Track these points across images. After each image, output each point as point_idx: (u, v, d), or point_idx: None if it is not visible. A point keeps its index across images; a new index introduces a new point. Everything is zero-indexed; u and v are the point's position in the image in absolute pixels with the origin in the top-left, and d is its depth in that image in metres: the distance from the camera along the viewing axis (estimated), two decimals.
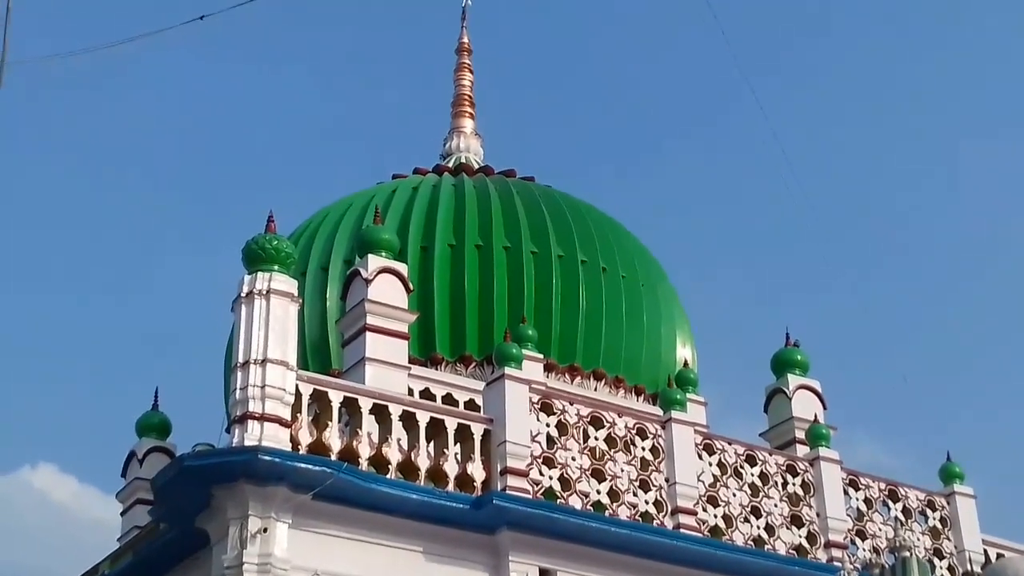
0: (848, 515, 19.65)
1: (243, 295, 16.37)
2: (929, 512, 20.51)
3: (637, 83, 49.08)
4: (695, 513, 18.20)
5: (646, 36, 48.97)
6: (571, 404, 18.06)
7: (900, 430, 41.96)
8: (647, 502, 17.97)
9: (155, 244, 46.60)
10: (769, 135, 23.97)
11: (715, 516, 18.46)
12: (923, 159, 47.25)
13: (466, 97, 28.00)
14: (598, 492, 17.71)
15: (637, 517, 17.79)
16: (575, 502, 17.43)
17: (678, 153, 48.57)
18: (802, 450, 20.53)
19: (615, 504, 17.75)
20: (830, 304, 42.60)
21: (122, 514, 21.04)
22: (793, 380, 21.79)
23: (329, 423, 16.42)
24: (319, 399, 16.61)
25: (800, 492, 19.38)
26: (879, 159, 46.75)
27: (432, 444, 17.14)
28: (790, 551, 18.84)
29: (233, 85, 49.65)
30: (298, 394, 16.25)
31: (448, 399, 20.35)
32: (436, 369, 21.69)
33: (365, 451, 16.52)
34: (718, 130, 47.88)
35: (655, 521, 17.88)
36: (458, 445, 17.26)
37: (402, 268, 19.52)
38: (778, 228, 44.91)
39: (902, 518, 20.19)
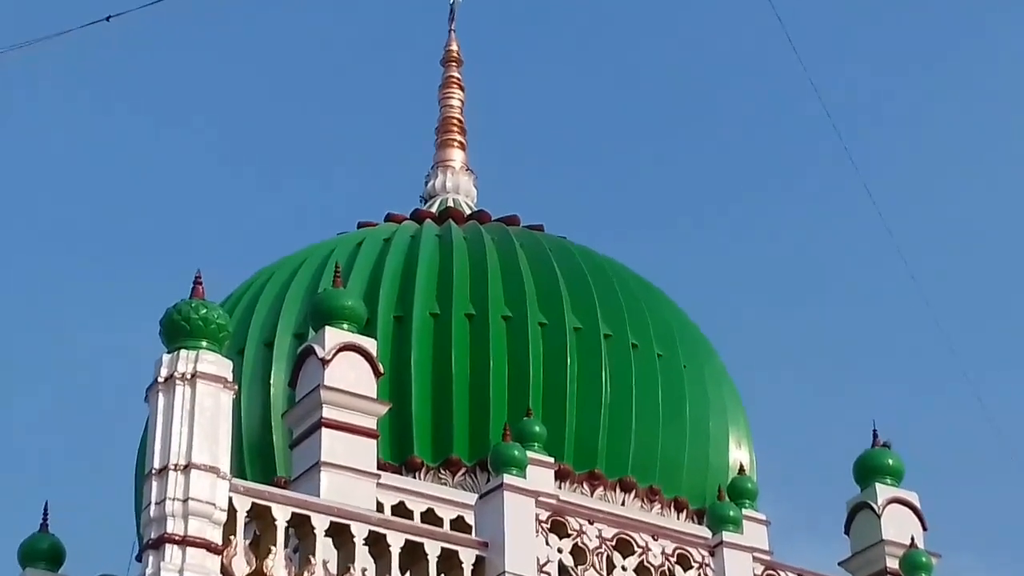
0: None
1: (160, 380, 16.39)
2: None
3: (690, 106, 49.29)
4: None
5: (700, 43, 49.33)
6: (591, 523, 18.02)
7: (1022, 559, 41.81)
8: None
9: (44, 319, 46.69)
10: (861, 189, 24.13)
11: None
12: None
13: (455, 122, 28.18)
14: None
15: None
16: None
17: (737, 200, 48.74)
18: None
19: None
20: (931, 397, 42.63)
21: None
22: (883, 492, 21.70)
23: (273, 548, 16.36)
24: (260, 517, 16.57)
25: None
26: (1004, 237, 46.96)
27: (408, 575, 17.07)
28: None
29: (143, 113, 49.94)
30: (232, 510, 16.21)
31: (429, 516, 20.28)
32: (414, 477, 21.65)
33: None
34: (797, 177, 48.08)
35: None
36: None
37: (370, 345, 19.55)
38: (868, 300, 45.01)
39: None
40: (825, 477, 35.92)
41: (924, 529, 21.46)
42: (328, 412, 18.85)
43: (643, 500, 22.79)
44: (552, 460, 21.18)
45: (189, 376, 16.36)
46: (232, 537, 16.16)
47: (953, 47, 49.38)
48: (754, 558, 18.81)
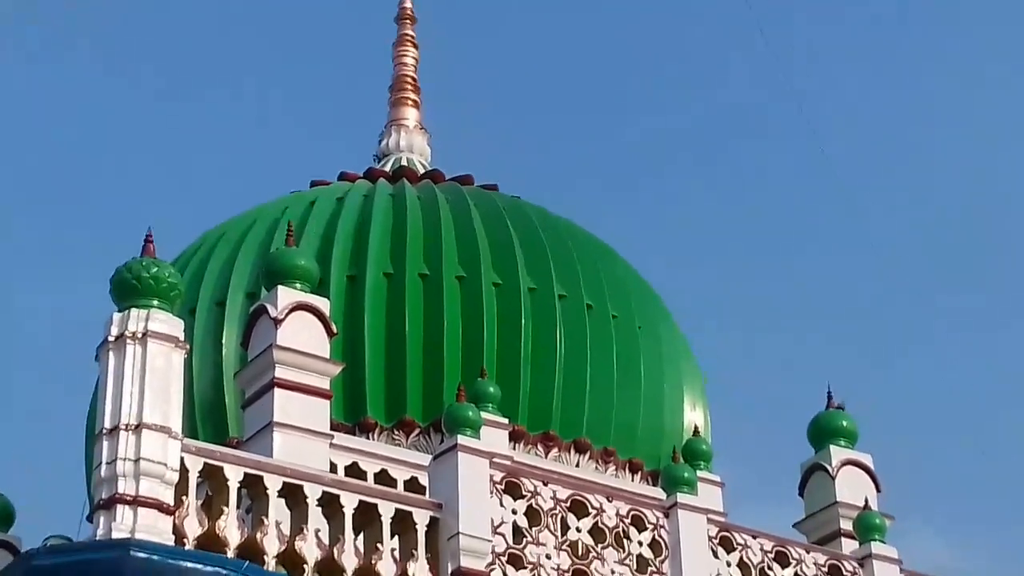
0: None
1: (111, 339, 16.29)
2: None
3: (642, 63, 49.35)
4: None
5: (653, 3, 49.30)
6: (545, 484, 18.05)
7: (973, 520, 42.15)
8: None
9: None
10: (816, 149, 24.29)
11: None
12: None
13: (408, 80, 28.10)
14: None
15: None
16: None
17: (693, 160, 48.90)
18: (849, 545, 20.56)
19: None
20: (886, 358, 42.92)
21: None
22: (838, 454, 21.85)
23: (225, 509, 16.33)
24: (212, 477, 16.53)
25: None
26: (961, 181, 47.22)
27: (362, 536, 17.06)
28: None
29: (89, 64, 49.60)
30: (184, 470, 16.16)
31: (383, 477, 20.30)
32: (367, 437, 21.66)
33: (273, 546, 16.42)
34: (750, 137, 48.23)
35: None
36: (396, 538, 17.20)
37: (323, 304, 19.51)
38: (824, 263, 45.24)
39: None
40: (780, 439, 36.14)
41: (878, 491, 21.64)
42: (281, 372, 18.81)
43: (597, 461, 22.86)
44: (506, 421, 21.23)
45: (140, 335, 16.27)
46: (184, 498, 16.11)
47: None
48: (708, 520, 18.89)
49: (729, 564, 18.77)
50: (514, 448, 21.46)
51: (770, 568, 19.05)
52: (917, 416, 43.10)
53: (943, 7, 48.43)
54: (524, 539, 17.63)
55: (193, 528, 16.07)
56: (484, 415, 18.95)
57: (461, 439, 17.58)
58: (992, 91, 47.75)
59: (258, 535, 16.37)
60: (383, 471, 20.54)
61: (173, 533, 15.79)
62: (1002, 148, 46.99)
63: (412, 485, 19.92)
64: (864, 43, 49.09)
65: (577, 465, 22.53)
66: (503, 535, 17.50)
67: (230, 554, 16.05)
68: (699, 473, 20.54)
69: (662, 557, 18.31)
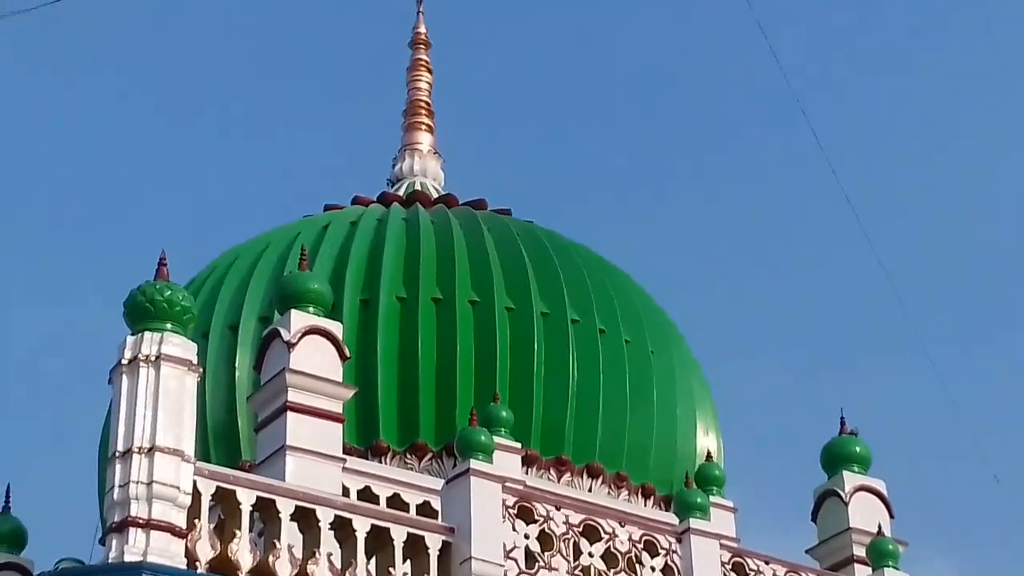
0: None
1: (124, 362, 16.34)
2: None
3: (656, 90, 49.37)
4: None
5: (670, 25, 49.33)
6: (558, 509, 18.04)
7: (987, 546, 42.03)
8: None
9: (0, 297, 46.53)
10: (826, 169, 24.25)
11: None
12: None
13: (422, 105, 28.14)
14: None
15: None
16: None
17: (704, 185, 48.88)
18: (862, 571, 20.52)
19: None
20: (899, 384, 42.80)
21: None
22: (850, 479, 21.81)
23: (237, 532, 16.35)
24: (224, 500, 16.54)
25: None
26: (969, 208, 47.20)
27: (374, 561, 17.06)
28: None
29: (104, 87, 49.74)
30: (196, 494, 16.19)
31: (395, 501, 20.27)
32: (380, 462, 21.63)
33: (285, 569, 16.44)
34: (763, 160, 48.23)
35: None
36: (408, 563, 17.20)
37: (336, 328, 19.53)
38: (836, 288, 45.17)
39: None
40: (793, 465, 36.04)
41: (891, 517, 21.59)
42: (293, 396, 18.82)
43: (610, 486, 22.83)
44: (519, 445, 21.20)
45: (153, 358, 16.33)
46: (196, 521, 16.14)
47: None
48: (721, 545, 18.87)
49: None
50: (526, 472, 21.43)
51: None
52: (929, 441, 43.05)
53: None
54: (536, 564, 17.61)
55: (205, 551, 16.08)
56: (496, 439, 18.96)
57: (474, 463, 17.58)
58: (996, 90, 47.79)
59: (270, 559, 16.38)
60: (395, 495, 20.52)
61: (185, 556, 15.81)
62: (1008, 148, 47.07)
63: (424, 509, 19.90)
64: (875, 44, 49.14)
65: (590, 490, 22.49)
66: (515, 560, 17.49)
67: None
68: (712, 498, 20.52)
69: None
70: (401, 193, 26.37)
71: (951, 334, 44.22)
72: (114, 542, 15.63)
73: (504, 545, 17.43)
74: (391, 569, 16.96)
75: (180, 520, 15.88)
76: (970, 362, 44.51)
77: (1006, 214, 47.20)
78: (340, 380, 19.24)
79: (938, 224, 47.27)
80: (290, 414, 18.75)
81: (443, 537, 17.34)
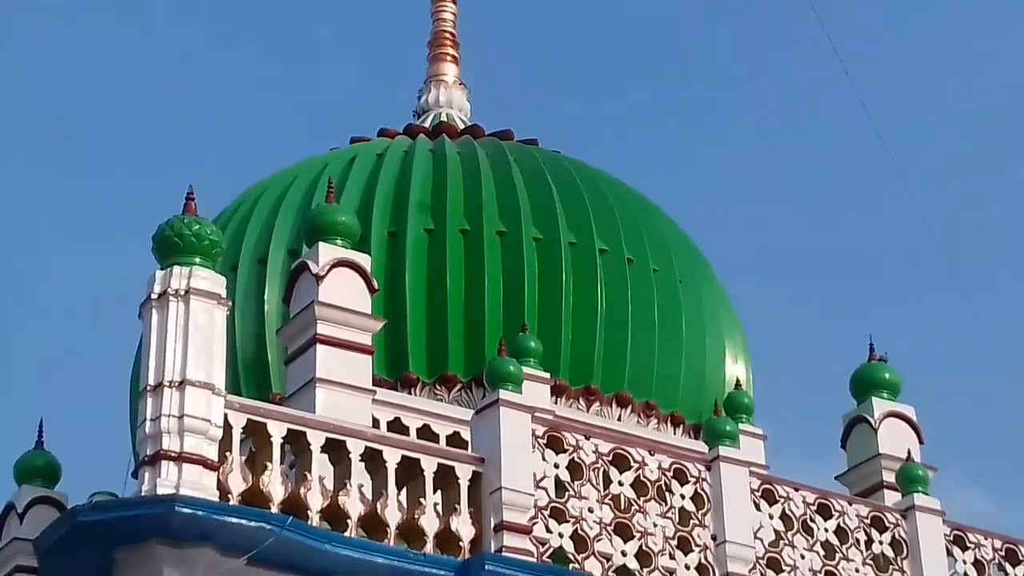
0: None
1: (154, 296, 16.36)
2: None
3: (683, 17, 49.11)
4: None
5: None
6: (587, 439, 18.07)
7: (1018, 472, 42.04)
8: (688, 567, 17.95)
9: (30, 235, 46.62)
10: (856, 99, 24.17)
11: None
12: None
13: (447, 35, 28.05)
14: (623, 554, 17.70)
15: None
16: (593, 567, 17.42)
17: (734, 113, 48.69)
18: (891, 497, 20.55)
19: (646, 569, 17.74)
20: (928, 310, 42.74)
21: None
22: (880, 406, 21.80)
23: (268, 464, 16.42)
24: (255, 433, 16.61)
25: (890, 552, 19.39)
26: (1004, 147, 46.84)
27: (405, 492, 17.12)
28: None
29: (126, 22, 49.64)
30: (228, 426, 16.25)
31: (425, 432, 20.37)
32: (409, 393, 21.72)
33: (316, 501, 16.51)
34: (791, 89, 47.98)
35: None
36: (439, 493, 17.25)
37: (364, 260, 19.53)
38: (864, 215, 45.02)
39: None
40: (822, 392, 36.10)
41: (921, 443, 21.58)
42: (323, 328, 18.84)
43: (639, 415, 22.89)
44: (548, 376, 21.27)
45: (183, 292, 16.34)
46: (228, 454, 16.21)
47: None
48: (751, 472, 18.88)
49: (771, 516, 18.76)
50: (556, 403, 21.51)
51: (812, 520, 19.04)
52: (958, 367, 42.96)
53: None
54: (566, 493, 17.66)
55: (237, 484, 16.16)
56: (526, 370, 18.97)
57: (503, 394, 17.60)
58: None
59: (302, 490, 16.45)
60: (425, 426, 20.61)
61: (217, 489, 15.88)
62: None
63: (454, 440, 19.98)
64: None
65: (619, 419, 22.56)
66: (545, 489, 17.54)
67: (274, 509, 16.12)
68: (741, 426, 20.51)
69: (704, 510, 18.32)
70: (427, 125, 26.33)
71: (980, 263, 44.13)
72: (147, 475, 15.71)
73: (534, 475, 17.47)
74: (422, 499, 17.02)
75: (212, 453, 15.95)
76: (999, 290, 44.40)
77: None
78: (369, 312, 19.25)
79: (969, 156, 47.06)
80: (319, 346, 18.78)
81: (473, 467, 17.38)
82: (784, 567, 18.63)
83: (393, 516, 16.82)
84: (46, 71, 48.46)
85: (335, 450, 16.91)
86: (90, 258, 45.75)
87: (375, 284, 19.60)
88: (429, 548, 16.81)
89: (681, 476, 18.38)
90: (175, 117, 48.60)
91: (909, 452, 20.89)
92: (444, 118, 26.66)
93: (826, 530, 19.11)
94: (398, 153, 24.44)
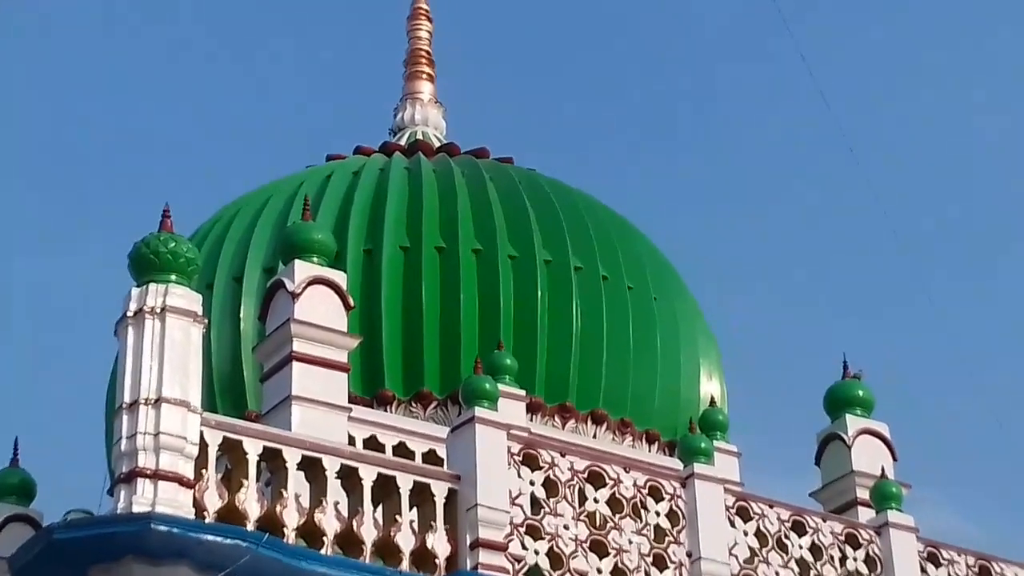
0: None
1: (130, 314, 16.35)
2: None
3: (650, 33, 49.29)
4: None
5: None
6: (563, 456, 18.08)
7: (991, 489, 42.19)
8: None
9: (2, 248, 46.49)
10: (826, 113, 24.26)
11: None
12: None
13: (423, 53, 28.09)
14: (599, 571, 17.71)
15: None
16: None
17: (703, 129, 48.90)
18: (866, 514, 20.59)
19: None
20: (900, 326, 42.84)
21: None
22: (853, 423, 21.86)
23: (244, 482, 16.39)
24: (231, 451, 16.59)
25: (864, 569, 19.43)
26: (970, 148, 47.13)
27: (381, 509, 17.12)
28: None
29: (106, 33, 49.57)
30: (203, 444, 16.22)
31: (401, 449, 20.34)
32: (385, 410, 21.70)
33: (292, 519, 16.48)
34: (759, 102, 48.19)
35: None
36: (415, 510, 17.25)
37: (340, 278, 19.53)
38: (836, 229, 45.16)
39: None
40: (796, 409, 36.13)
41: (894, 460, 21.65)
42: (298, 346, 18.84)
43: (614, 433, 22.91)
44: (523, 393, 21.27)
45: (159, 310, 16.32)
46: (204, 471, 16.18)
47: None
48: (725, 489, 18.91)
49: (746, 533, 18.79)
50: (531, 420, 21.51)
51: (787, 537, 19.07)
52: (932, 383, 43.12)
53: None
54: (542, 510, 17.67)
55: (213, 501, 16.13)
56: (501, 387, 18.99)
57: (479, 411, 17.60)
58: (991, 45, 47.71)
59: (278, 508, 16.43)
60: (401, 443, 20.59)
61: (193, 506, 15.85)
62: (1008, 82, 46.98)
63: (430, 457, 19.95)
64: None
65: (594, 436, 22.57)
66: (521, 506, 17.54)
67: (250, 527, 16.09)
68: (716, 443, 20.57)
69: (679, 527, 18.34)
70: (403, 143, 26.36)
71: (952, 275, 44.28)
72: (122, 493, 15.68)
73: (510, 492, 17.48)
74: (397, 517, 17.02)
75: (188, 470, 15.92)
76: (971, 304, 44.54)
77: (1007, 148, 47.22)
78: (345, 330, 19.26)
79: (936, 158, 47.27)
80: (295, 364, 18.77)
81: (449, 484, 17.38)
82: None
83: (369, 533, 16.81)
84: (24, 81, 48.43)
85: (311, 467, 16.89)
86: (65, 273, 45.67)
87: (351, 302, 19.59)
88: (405, 565, 16.80)
89: (656, 493, 18.40)
90: (152, 133, 48.58)
91: (883, 469, 20.95)
92: (420, 136, 26.70)
93: (800, 547, 19.14)
94: (374, 171, 24.45)
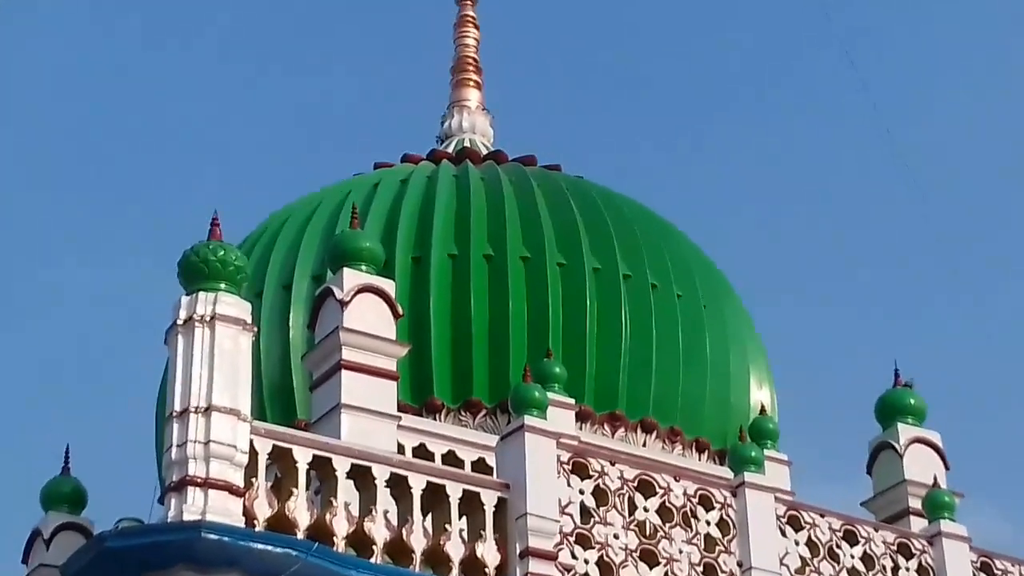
0: None
1: (180, 322, 16.42)
2: None
3: (697, 40, 49.22)
4: None
5: None
6: (612, 464, 18.06)
7: None
8: None
9: (56, 258, 46.76)
10: (879, 127, 24.24)
11: None
12: None
13: (470, 61, 28.11)
14: None
15: None
16: None
17: (755, 137, 48.71)
18: (918, 523, 20.48)
19: None
20: (953, 334, 42.62)
21: None
22: (905, 432, 21.76)
23: (294, 491, 16.43)
24: (281, 459, 16.63)
25: None
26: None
27: (430, 517, 17.13)
28: None
29: (154, 42, 49.85)
30: (253, 452, 16.27)
31: (450, 458, 20.35)
32: (434, 419, 21.71)
33: (342, 527, 16.52)
34: (811, 112, 48.02)
35: None
36: (464, 519, 17.25)
37: (388, 286, 19.55)
38: (888, 239, 44.96)
39: None
40: (847, 417, 36.01)
41: (947, 468, 21.52)
42: (347, 354, 18.87)
43: (664, 441, 22.85)
44: (572, 401, 21.26)
45: (208, 318, 16.38)
46: (254, 480, 16.22)
47: None
48: (776, 498, 18.84)
49: (797, 543, 18.72)
50: (580, 428, 21.49)
51: (839, 547, 18.99)
52: (984, 391, 42.87)
53: None
54: (592, 519, 17.64)
55: (263, 510, 16.17)
56: (550, 395, 18.97)
57: (528, 419, 17.59)
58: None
59: (327, 516, 16.46)
60: (450, 452, 20.59)
61: (243, 515, 15.90)
62: None
63: (479, 466, 19.95)
64: None
65: (644, 445, 22.52)
66: (571, 515, 17.52)
67: (300, 535, 16.15)
68: (766, 452, 20.51)
69: (730, 536, 18.29)
70: (451, 150, 26.37)
71: (1005, 282, 44.01)
72: (173, 501, 15.74)
73: (559, 501, 17.46)
74: (447, 526, 17.02)
75: (238, 479, 15.97)
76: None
77: None
78: (393, 338, 19.27)
79: (983, 163, 46.97)
80: (344, 372, 18.80)
81: (498, 493, 17.37)
82: None
83: (419, 542, 16.82)
84: (69, 91, 48.72)
85: (360, 476, 16.91)
86: (116, 282, 45.91)
87: (399, 310, 19.61)
88: (455, 574, 16.82)
89: (706, 502, 18.34)
90: (200, 143, 48.84)
91: (935, 478, 20.83)
92: (467, 143, 26.71)
93: (852, 556, 19.06)
94: (421, 179, 24.47)
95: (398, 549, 16.72)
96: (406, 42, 46.07)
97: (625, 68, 48.87)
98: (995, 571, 20.01)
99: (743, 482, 18.55)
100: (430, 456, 20.10)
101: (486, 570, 16.99)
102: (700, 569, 17.98)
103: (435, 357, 22.21)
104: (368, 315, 19.14)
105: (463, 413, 22.02)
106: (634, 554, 17.72)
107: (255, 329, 16.88)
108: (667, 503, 18.12)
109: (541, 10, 48.35)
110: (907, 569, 19.37)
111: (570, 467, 17.74)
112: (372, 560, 16.43)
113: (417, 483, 17.10)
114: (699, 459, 22.95)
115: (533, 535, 17.15)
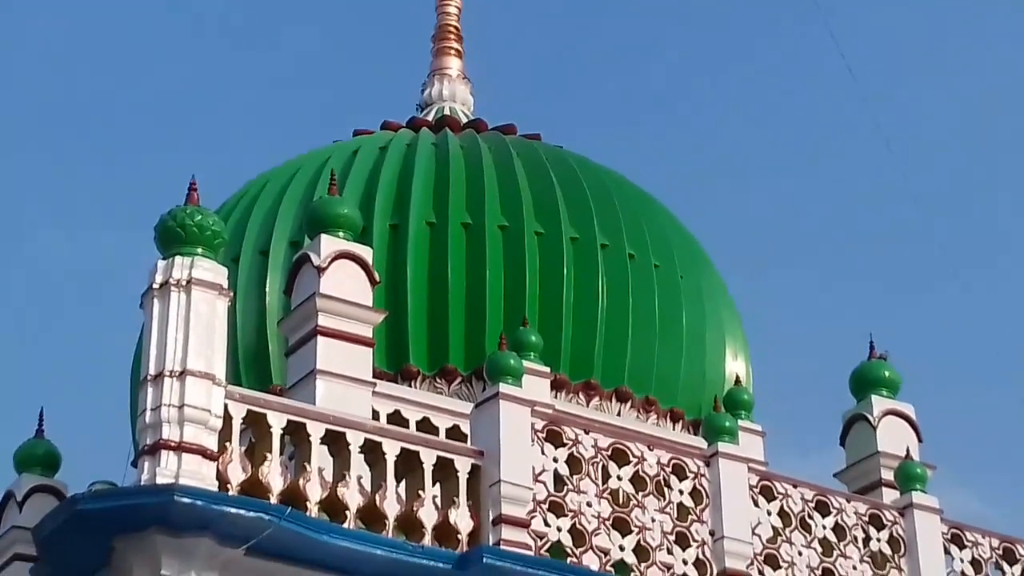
0: None
1: (156, 286, 16.38)
2: None
3: (681, 10, 49.18)
4: None
5: None
6: (586, 433, 18.09)
7: (1015, 473, 42.09)
8: (686, 562, 17.96)
9: (30, 222, 46.62)
10: (855, 92, 24.24)
11: None
12: None
13: (451, 29, 28.03)
14: (621, 548, 17.72)
15: None
16: (591, 561, 17.44)
17: (731, 106, 48.77)
18: (890, 495, 20.57)
19: (644, 565, 17.74)
20: (928, 307, 42.77)
21: None
22: (879, 404, 21.83)
23: (268, 455, 16.43)
24: (255, 424, 16.63)
25: (887, 550, 19.41)
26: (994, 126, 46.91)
27: (404, 484, 17.15)
28: None
29: (131, 8, 49.64)
30: (228, 417, 16.27)
31: (425, 425, 20.37)
32: (409, 386, 21.73)
33: (315, 492, 16.52)
34: (790, 83, 48.06)
35: None
36: (438, 485, 17.27)
37: (365, 253, 19.56)
38: (863, 209, 45.07)
39: None
40: (821, 389, 36.10)
41: (919, 441, 21.62)
42: (324, 320, 18.88)
43: (639, 411, 22.91)
44: (548, 370, 21.27)
45: (184, 283, 16.35)
46: (228, 444, 16.22)
47: None
48: (749, 468, 18.90)
49: (770, 513, 18.77)
50: (555, 397, 21.51)
51: (811, 517, 19.05)
52: (958, 365, 43.04)
53: None
54: (565, 487, 17.68)
55: (236, 474, 16.18)
56: (526, 364, 18.97)
57: (503, 387, 17.61)
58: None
59: (301, 481, 16.47)
60: (425, 419, 20.61)
61: (217, 479, 15.90)
62: None
63: (454, 433, 19.99)
64: None
65: (618, 414, 22.57)
66: (544, 483, 17.56)
67: (273, 500, 16.14)
68: (740, 422, 20.57)
69: (703, 505, 18.35)
70: (430, 118, 26.32)
71: (981, 256, 44.14)
72: (146, 465, 15.73)
73: (533, 468, 17.49)
74: (420, 492, 17.04)
75: (211, 443, 15.97)
76: (999, 285, 44.42)
77: None
78: (370, 305, 19.29)
79: (965, 140, 47.04)
80: (320, 338, 18.82)
81: (472, 460, 17.40)
82: (782, 563, 18.64)
83: (392, 508, 16.84)
84: (49, 59, 48.54)
85: (335, 442, 16.93)
86: (91, 245, 45.83)
87: (376, 277, 19.62)
88: (427, 540, 16.83)
89: (680, 471, 18.39)
90: (178, 108, 48.65)
91: (908, 450, 20.91)
92: (447, 112, 26.66)
93: (824, 527, 19.12)
94: (400, 146, 24.44)
95: (371, 515, 16.74)
96: (387, 9, 45.94)
97: (606, 39, 48.86)
98: (966, 543, 20.10)
99: (716, 452, 18.60)
100: (405, 423, 20.14)
101: (459, 536, 17.01)
102: (672, 538, 18.03)
103: (411, 324, 22.22)
104: (345, 282, 19.15)
105: (438, 380, 22.05)
106: (607, 522, 17.76)
107: (231, 294, 16.87)
108: (641, 472, 18.16)
109: None
110: (878, 540, 19.45)
111: (544, 435, 17.77)
112: (345, 525, 16.44)
113: (391, 449, 17.12)
114: (673, 429, 23.03)
115: (506, 502, 17.18)
